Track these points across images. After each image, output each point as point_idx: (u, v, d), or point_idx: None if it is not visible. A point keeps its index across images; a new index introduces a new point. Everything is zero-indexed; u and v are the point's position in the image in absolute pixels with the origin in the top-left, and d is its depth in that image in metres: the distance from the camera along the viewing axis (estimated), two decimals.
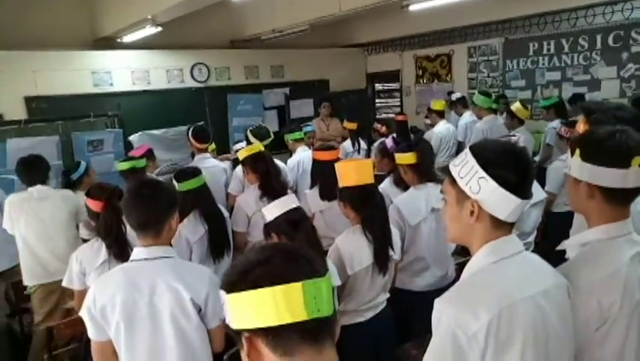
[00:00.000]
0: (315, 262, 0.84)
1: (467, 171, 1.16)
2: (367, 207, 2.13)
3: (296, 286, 0.77)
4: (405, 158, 2.64)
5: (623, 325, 1.21)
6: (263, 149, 3.17)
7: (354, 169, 2.13)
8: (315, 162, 3.13)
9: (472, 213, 1.17)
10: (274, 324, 0.77)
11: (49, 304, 3.15)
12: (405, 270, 2.59)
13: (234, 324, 0.81)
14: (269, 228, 2.00)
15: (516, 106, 4.93)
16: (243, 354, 0.82)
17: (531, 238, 2.85)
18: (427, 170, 2.66)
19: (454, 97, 6.54)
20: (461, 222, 1.21)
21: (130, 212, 1.73)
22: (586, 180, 1.28)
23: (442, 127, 5.54)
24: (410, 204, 2.54)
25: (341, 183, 2.18)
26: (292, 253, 0.85)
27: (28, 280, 3.19)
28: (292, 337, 0.78)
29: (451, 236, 1.29)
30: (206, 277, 1.78)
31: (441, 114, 5.70)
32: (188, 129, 4.11)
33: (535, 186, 2.78)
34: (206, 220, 2.68)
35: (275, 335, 0.78)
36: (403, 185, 2.96)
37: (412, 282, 2.60)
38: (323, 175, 2.89)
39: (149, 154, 4.28)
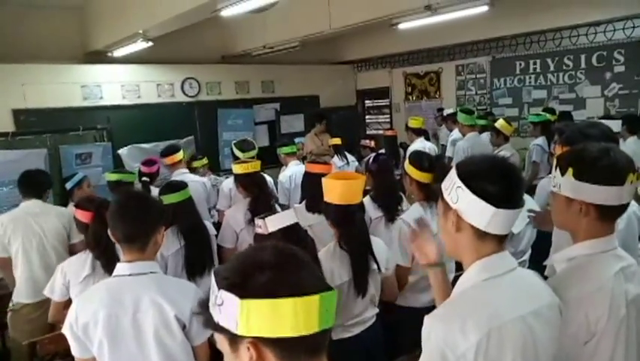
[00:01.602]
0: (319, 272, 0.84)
1: (449, 182, 1.19)
2: (345, 226, 2.12)
3: (315, 299, 0.77)
4: (418, 174, 2.53)
5: (611, 340, 1.22)
6: (259, 168, 3.12)
7: (339, 188, 2.09)
8: (307, 174, 3.13)
9: (453, 223, 1.19)
10: (290, 335, 0.76)
11: (35, 322, 3.05)
12: (411, 288, 2.54)
13: (242, 330, 0.77)
14: (268, 240, 1.97)
15: (500, 123, 4.98)
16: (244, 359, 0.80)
17: (525, 257, 2.82)
18: (436, 192, 2.59)
19: (445, 112, 6.60)
20: (448, 234, 1.23)
21: (116, 224, 1.70)
22: (582, 199, 1.28)
23: (416, 145, 5.41)
24: None
25: (325, 197, 2.17)
26: (303, 260, 0.84)
27: (17, 297, 3.09)
28: (300, 347, 0.78)
29: (446, 250, 1.29)
30: (191, 293, 1.75)
31: (417, 132, 5.65)
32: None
33: (532, 204, 2.80)
34: (183, 236, 2.65)
35: (285, 345, 0.77)
36: (379, 201, 2.98)
37: (416, 299, 2.54)
38: (313, 187, 2.90)
39: (157, 171, 4.25)
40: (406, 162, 2.62)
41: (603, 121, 3.90)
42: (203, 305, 0.85)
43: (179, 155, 4.14)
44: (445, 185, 1.22)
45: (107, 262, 2.30)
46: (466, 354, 1.05)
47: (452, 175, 1.18)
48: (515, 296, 1.15)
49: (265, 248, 0.85)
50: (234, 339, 0.80)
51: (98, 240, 2.30)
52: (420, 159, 2.58)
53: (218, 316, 0.80)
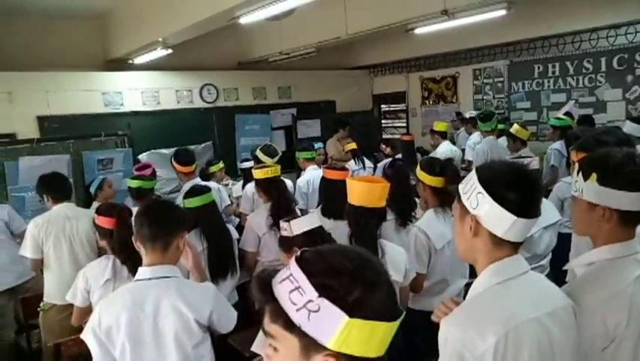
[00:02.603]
0: None
1: (469, 187, 1.19)
2: (355, 226, 2.15)
3: (396, 323, 0.77)
4: (430, 179, 2.54)
5: (630, 345, 1.21)
6: (279, 173, 3.13)
7: (357, 188, 2.13)
8: (324, 179, 3.15)
9: (470, 228, 1.18)
10: (371, 356, 0.75)
11: (63, 323, 3.13)
12: (426, 293, 2.53)
13: (334, 345, 0.73)
14: (293, 242, 2.01)
15: (515, 128, 4.91)
16: None
17: (544, 262, 2.77)
18: (450, 195, 2.60)
19: (467, 115, 6.59)
20: (464, 238, 1.22)
21: (143, 223, 1.76)
22: (605, 205, 1.27)
23: (444, 148, 5.55)
24: (435, 228, 2.49)
25: (347, 198, 2.20)
26: (390, 278, 0.81)
27: (47, 297, 3.16)
28: None
29: (459, 252, 1.29)
30: (210, 296, 1.79)
31: (443, 135, 5.72)
32: (171, 157, 4.18)
33: (550, 209, 2.76)
34: (206, 239, 2.70)
35: None
36: (393, 206, 2.90)
37: (430, 303, 2.49)
38: (329, 192, 2.92)
39: (152, 174, 4.33)
40: (418, 169, 2.62)
41: (631, 123, 3.85)
42: (266, 289, 0.79)
43: (194, 166, 4.21)
44: (463, 188, 1.21)
45: (134, 266, 2.34)
46: (485, 355, 1.06)
47: (473, 179, 1.18)
48: (529, 298, 1.15)
49: (365, 262, 0.79)
50: (312, 347, 0.74)
51: (124, 245, 2.32)
52: (431, 165, 2.58)
53: (304, 321, 0.73)
